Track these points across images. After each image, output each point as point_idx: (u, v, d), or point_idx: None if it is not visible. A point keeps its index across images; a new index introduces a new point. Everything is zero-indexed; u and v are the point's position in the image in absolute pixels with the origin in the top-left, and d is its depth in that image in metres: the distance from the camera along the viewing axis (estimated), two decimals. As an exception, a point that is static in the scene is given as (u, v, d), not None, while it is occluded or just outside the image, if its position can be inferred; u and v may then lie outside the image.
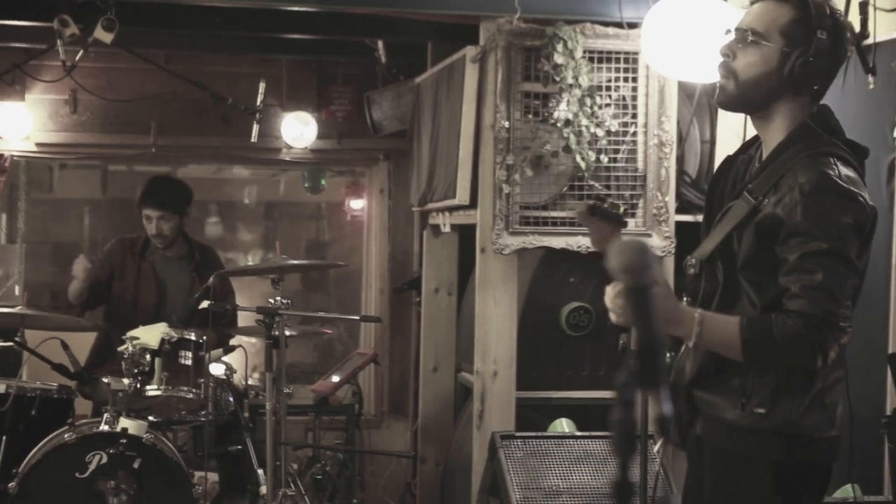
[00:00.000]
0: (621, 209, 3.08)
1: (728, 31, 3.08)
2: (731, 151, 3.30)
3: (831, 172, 2.90)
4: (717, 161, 5.41)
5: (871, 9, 4.54)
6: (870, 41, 4.53)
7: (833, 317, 2.83)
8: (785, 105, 3.04)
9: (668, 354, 3.17)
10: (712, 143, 5.75)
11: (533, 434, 5.21)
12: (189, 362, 5.36)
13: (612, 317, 2.87)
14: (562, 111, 5.44)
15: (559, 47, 5.40)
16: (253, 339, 6.28)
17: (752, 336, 2.86)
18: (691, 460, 3.24)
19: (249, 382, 6.54)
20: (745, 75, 3.01)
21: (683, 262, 3.18)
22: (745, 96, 3.05)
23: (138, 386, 5.14)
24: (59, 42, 5.41)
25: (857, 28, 4.52)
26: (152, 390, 5.22)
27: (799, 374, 2.93)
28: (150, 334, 5.28)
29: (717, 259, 3.03)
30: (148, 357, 5.20)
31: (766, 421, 2.95)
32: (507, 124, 5.46)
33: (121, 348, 5.20)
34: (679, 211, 5.65)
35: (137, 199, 6.30)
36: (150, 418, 5.22)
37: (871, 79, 4.51)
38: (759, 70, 3.00)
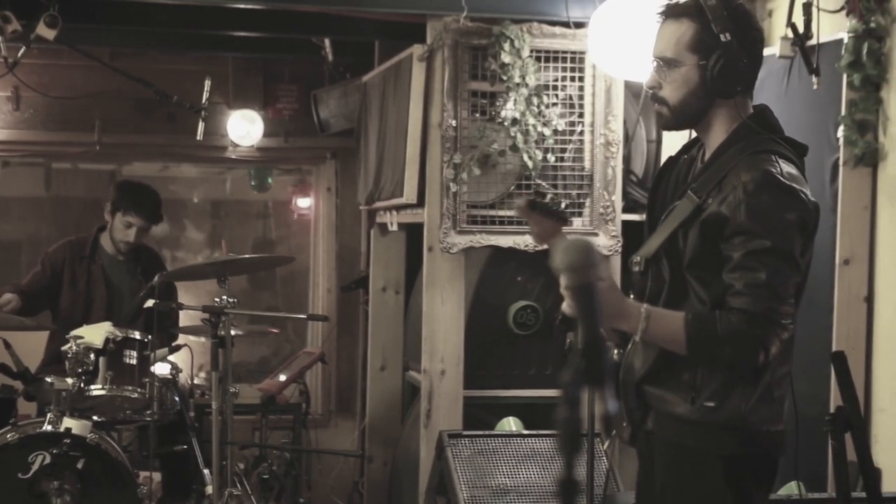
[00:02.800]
0: (563, 205, 3.08)
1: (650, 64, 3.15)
2: (677, 151, 3.34)
3: (773, 170, 2.94)
4: (664, 160, 5.44)
5: (814, 10, 4.58)
6: (813, 42, 4.57)
7: (775, 314, 2.88)
8: (719, 111, 3.09)
9: (616, 351, 3.20)
10: (658, 142, 5.79)
11: (480, 433, 5.21)
12: (134, 361, 5.31)
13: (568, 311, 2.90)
14: (509, 110, 5.45)
15: (506, 46, 5.40)
16: (200, 339, 6.23)
17: (697, 332, 2.91)
18: (642, 456, 3.26)
19: (195, 382, 6.50)
20: (675, 100, 3.07)
21: (629, 260, 3.21)
22: (681, 117, 3.12)
23: (82, 385, 5.09)
24: (0, 38, 5.34)
25: (801, 29, 4.57)
26: (96, 390, 5.17)
27: (747, 369, 2.98)
28: (95, 333, 5.23)
29: (663, 257, 3.07)
30: (92, 356, 5.14)
31: (716, 414, 2.99)
32: (454, 123, 5.46)
33: (64, 347, 5.15)
34: (626, 210, 5.67)
35: (115, 204, 6.16)
36: (95, 418, 5.17)
37: (814, 79, 4.55)
38: (685, 90, 3.05)
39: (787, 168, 2.98)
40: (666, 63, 3.06)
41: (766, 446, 3.05)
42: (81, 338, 5.17)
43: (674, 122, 3.13)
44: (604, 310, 2.84)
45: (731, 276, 2.91)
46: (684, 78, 3.04)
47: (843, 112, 4.56)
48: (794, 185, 2.95)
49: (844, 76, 4.54)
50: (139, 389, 5.27)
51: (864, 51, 4.44)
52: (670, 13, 3.08)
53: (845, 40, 4.51)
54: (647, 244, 3.14)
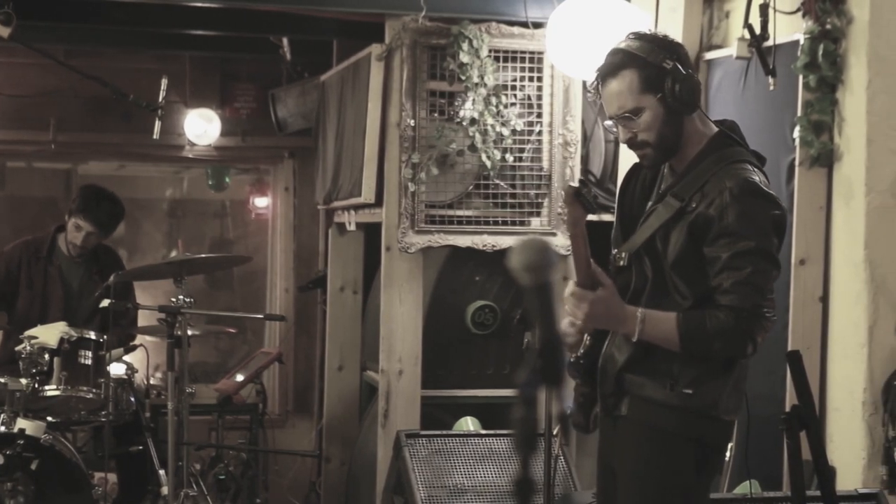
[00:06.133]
0: (596, 198, 3.24)
1: (608, 127, 3.36)
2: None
3: (755, 178, 3.20)
4: (622, 161, 5.46)
5: (771, 11, 4.60)
6: (770, 43, 4.60)
7: (760, 308, 3.14)
8: (688, 127, 3.29)
9: (587, 336, 3.38)
10: (616, 143, 5.79)
11: (438, 432, 5.20)
12: (89, 362, 5.27)
13: (571, 324, 3.26)
14: (467, 110, 5.45)
15: (465, 46, 5.41)
16: (156, 339, 6.19)
17: (689, 330, 3.15)
18: (605, 442, 3.43)
19: (151, 382, 6.46)
20: (653, 139, 3.26)
21: (611, 255, 3.39)
22: (665, 149, 3.29)
23: (36, 386, 5.05)
24: (-46, 36, 5.29)
25: (758, 30, 4.59)
26: (51, 390, 5.13)
27: (720, 361, 3.24)
28: (49, 333, 5.19)
29: (644, 256, 3.29)
30: (46, 356, 5.10)
31: (692, 401, 3.22)
32: (412, 122, 5.46)
33: (18, 348, 5.10)
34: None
35: (72, 205, 6.12)
36: (49, 419, 5.13)
37: (771, 80, 4.58)
38: (658, 127, 3.24)
39: (761, 176, 3.23)
40: (630, 114, 3.23)
41: (725, 434, 3.34)
42: (35, 338, 5.13)
43: (661, 157, 3.32)
44: (605, 316, 3.18)
45: (719, 276, 3.15)
46: (653, 118, 3.23)
47: (799, 113, 4.59)
48: (771, 192, 3.22)
49: (800, 77, 4.56)
50: (94, 390, 5.23)
51: (820, 52, 4.47)
52: (608, 73, 3.25)
53: (801, 41, 4.53)
54: (630, 241, 3.33)
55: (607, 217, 4.82)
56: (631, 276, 3.33)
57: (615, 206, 3.56)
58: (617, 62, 3.23)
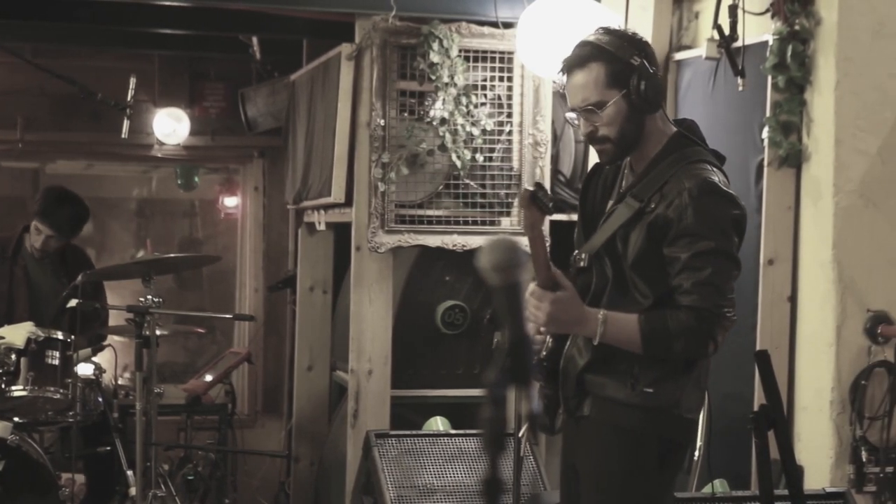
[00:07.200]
0: (551, 204, 3.25)
1: (570, 119, 3.38)
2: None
3: (714, 178, 3.19)
4: (591, 161, 5.47)
5: (740, 12, 4.62)
6: (739, 44, 4.61)
7: (720, 308, 3.14)
8: (649, 125, 3.29)
9: (549, 339, 3.38)
10: (587, 143, 5.79)
11: (407, 432, 5.20)
12: (56, 362, 5.23)
13: (532, 325, 3.19)
14: (437, 110, 5.45)
15: (435, 46, 5.40)
16: (125, 339, 6.16)
17: (651, 330, 3.14)
18: (568, 443, 3.44)
19: (119, 382, 6.43)
20: (614, 134, 3.25)
21: (572, 257, 3.38)
22: (625, 146, 3.29)
23: (3, 386, 5.01)
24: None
25: (727, 31, 4.60)
26: (17, 391, 5.09)
27: (680, 360, 3.23)
28: (16, 333, 5.15)
29: (604, 256, 3.30)
30: (13, 357, 5.07)
31: (653, 399, 3.22)
32: (382, 122, 5.45)
33: (-16, 348, 5.06)
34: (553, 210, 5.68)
35: (35, 208, 6.07)
36: (16, 419, 5.09)
37: (740, 81, 4.59)
38: (619, 122, 3.24)
39: (721, 176, 3.23)
40: (594, 107, 3.22)
41: (687, 432, 3.34)
42: (2, 338, 5.10)
43: (619, 153, 3.31)
44: (567, 320, 3.16)
45: (679, 276, 3.14)
46: (616, 112, 3.23)
47: (767, 113, 4.61)
48: (731, 191, 3.21)
49: (769, 78, 4.58)
50: (61, 390, 5.19)
51: (789, 53, 4.50)
52: (575, 65, 3.25)
53: (770, 42, 4.55)
54: (590, 242, 3.33)
55: (576, 216, 4.82)
56: (591, 277, 3.34)
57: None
58: (585, 54, 3.23)
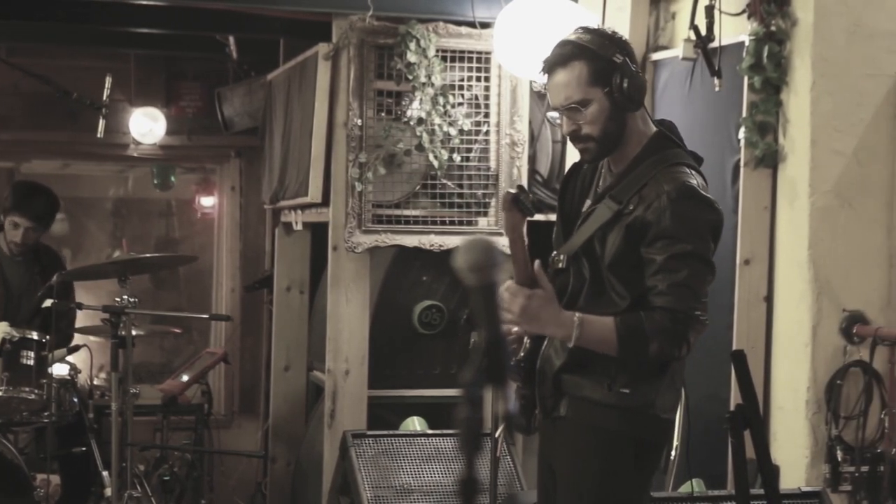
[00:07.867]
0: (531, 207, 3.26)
1: (552, 119, 3.38)
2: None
3: (692, 182, 3.20)
4: (569, 161, 5.48)
5: (716, 13, 4.63)
6: (716, 44, 4.62)
7: (694, 311, 3.14)
8: (631, 124, 3.29)
9: (527, 339, 3.38)
10: (564, 143, 5.81)
11: (384, 432, 5.20)
12: (31, 362, 5.21)
13: (506, 318, 3.13)
14: (415, 110, 5.45)
15: (412, 46, 5.40)
16: (100, 339, 6.14)
17: (627, 332, 3.14)
18: (545, 443, 3.44)
19: (95, 382, 6.41)
20: (597, 132, 3.25)
21: (550, 258, 3.38)
22: (607, 145, 3.28)
23: (-23, 387, 4.99)
24: None
25: (704, 32, 4.61)
26: (-8, 391, 5.07)
27: (654, 361, 3.22)
28: (-10, 334, 5.13)
29: (582, 257, 3.29)
30: (-12, 357, 5.04)
31: (629, 400, 3.23)
32: (359, 122, 5.45)
33: (-41, 349, 5.04)
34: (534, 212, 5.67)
35: (5, 203, 6.04)
36: (-10, 420, 5.07)
37: (716, 81, 4.61)
38: (602, 121, 3.24)
39: (699, 179, 3.24)
40: (577, 105, 3.22)
41: (663, 432, 3.34)
42: (-24, 338, 5.07)
43: (602, 151, 3.30)
44: (541, 320, 3.14)
45: (654, 278, 3.15)
46: (599, 110, 3.22)
47: (744, 114, 4.62)
48: (709, 195, 3.22)
49: (746, 78, 4.60)
50: (36, 390, 5.18)
51: (765, 54, 4.51)
52: (557, 63, 3.24)
53: (746, 43, 4.57)
54: (569, 243, 3.33)
55: (553, 216, 4.83)
56: (569, 277, 3.33)
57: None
58: (567, 53, 3.22)
